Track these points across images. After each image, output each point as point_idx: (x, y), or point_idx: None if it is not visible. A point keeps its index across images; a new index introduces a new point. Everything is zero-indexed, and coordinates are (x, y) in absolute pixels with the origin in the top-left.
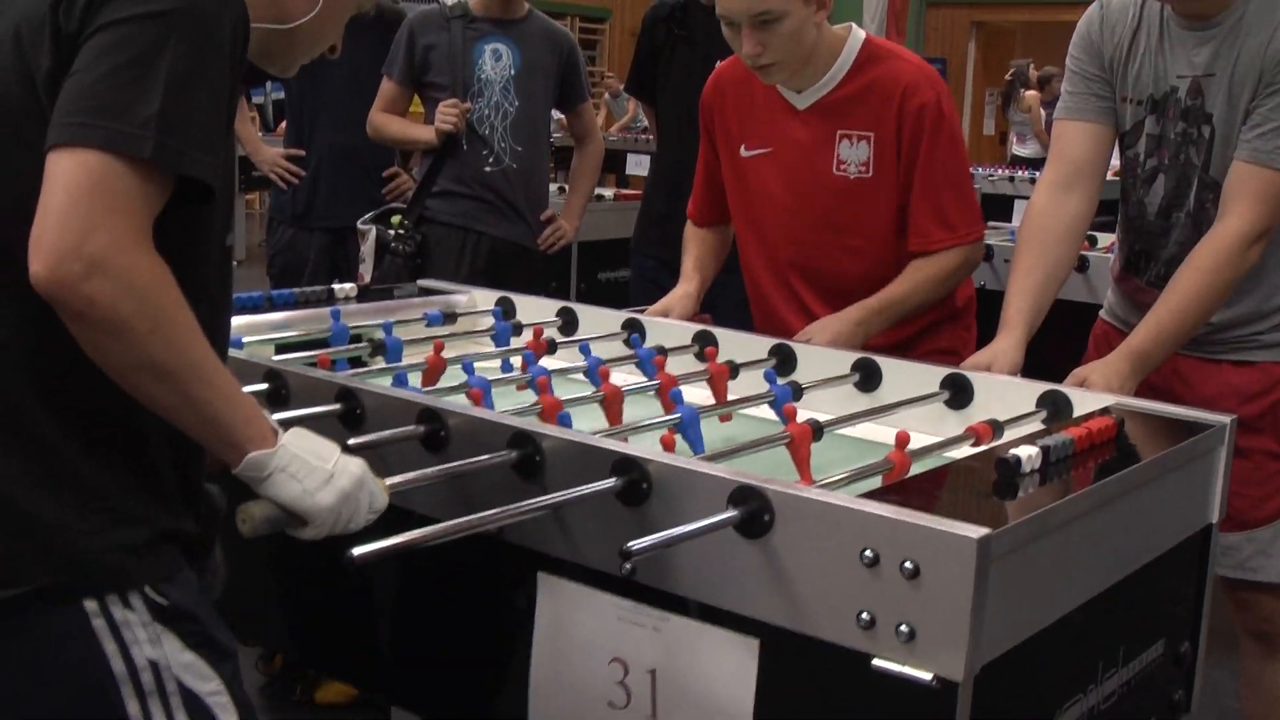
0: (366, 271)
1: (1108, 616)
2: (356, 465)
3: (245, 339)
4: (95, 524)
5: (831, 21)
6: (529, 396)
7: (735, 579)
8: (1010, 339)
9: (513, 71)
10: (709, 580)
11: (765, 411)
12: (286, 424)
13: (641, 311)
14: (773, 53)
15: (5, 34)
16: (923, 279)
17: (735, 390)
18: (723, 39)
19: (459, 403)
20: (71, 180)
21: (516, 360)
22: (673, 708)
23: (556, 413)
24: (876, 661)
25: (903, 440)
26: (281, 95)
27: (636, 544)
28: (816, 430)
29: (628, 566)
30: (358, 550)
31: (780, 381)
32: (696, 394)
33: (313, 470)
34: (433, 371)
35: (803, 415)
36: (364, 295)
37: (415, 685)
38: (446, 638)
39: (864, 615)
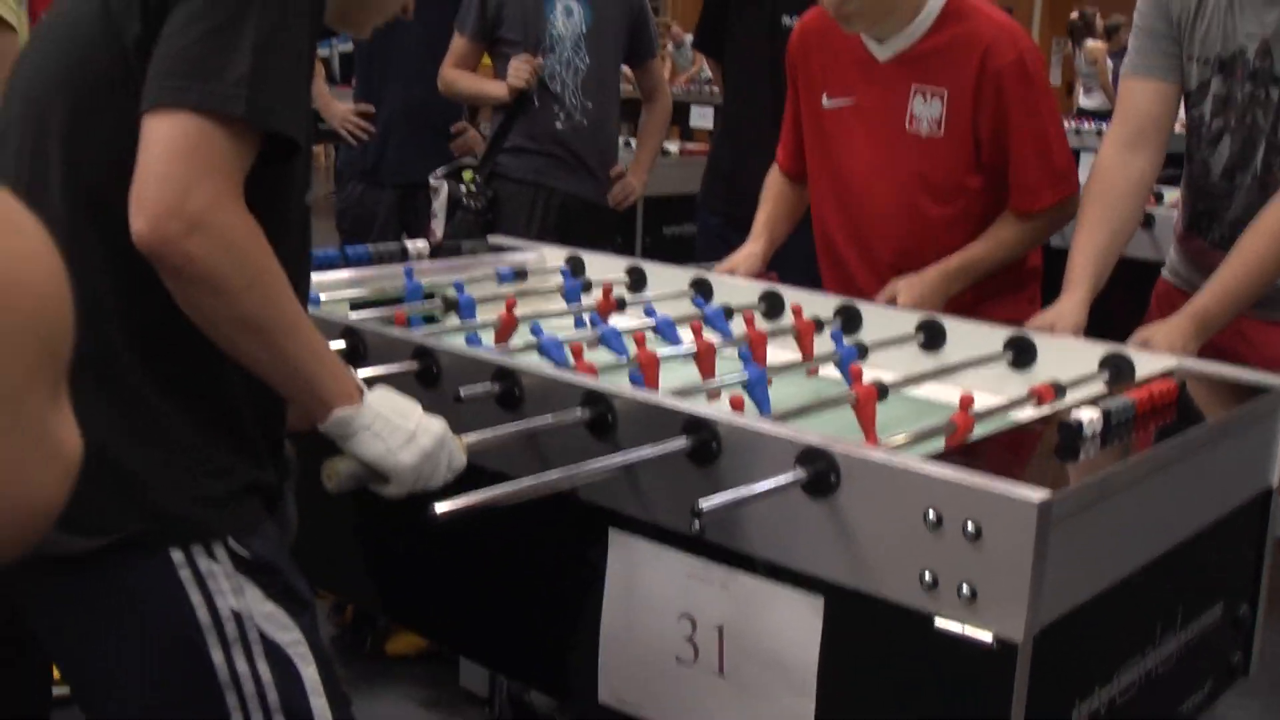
0: (438, 227)
1: (1166, 579)
2: (438, 424)
3: (322, 296)
4: (182, 475)
5: None
6: (601, 355)
7: (801, 538)
8: (1074, 298)
9: (584, 28)
10: (776, 539)
11: (832, 370)
12: (369, 382)
13: (709, 268)
14: (855, 1)
15: (94, 4)
16: (1011, 238)
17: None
18: None
19: (531, 361)
20: (169, 141)
21: (585, 319)
22: (739, 663)
23: (654, 368)
24: (939, 621)
25: (966, 402)
26: (348, 48)
27: (706, 503)
28: (882, 391)
29: (697, 525)
30: (440, 506)
31: (846, 342)
32: (776, 351)
33: (396, 429)
34: (505, 329)
35: (868, 375)
36: (435, 252)
37: (485, 638)
38: (517, 591)
39: (927, 575)
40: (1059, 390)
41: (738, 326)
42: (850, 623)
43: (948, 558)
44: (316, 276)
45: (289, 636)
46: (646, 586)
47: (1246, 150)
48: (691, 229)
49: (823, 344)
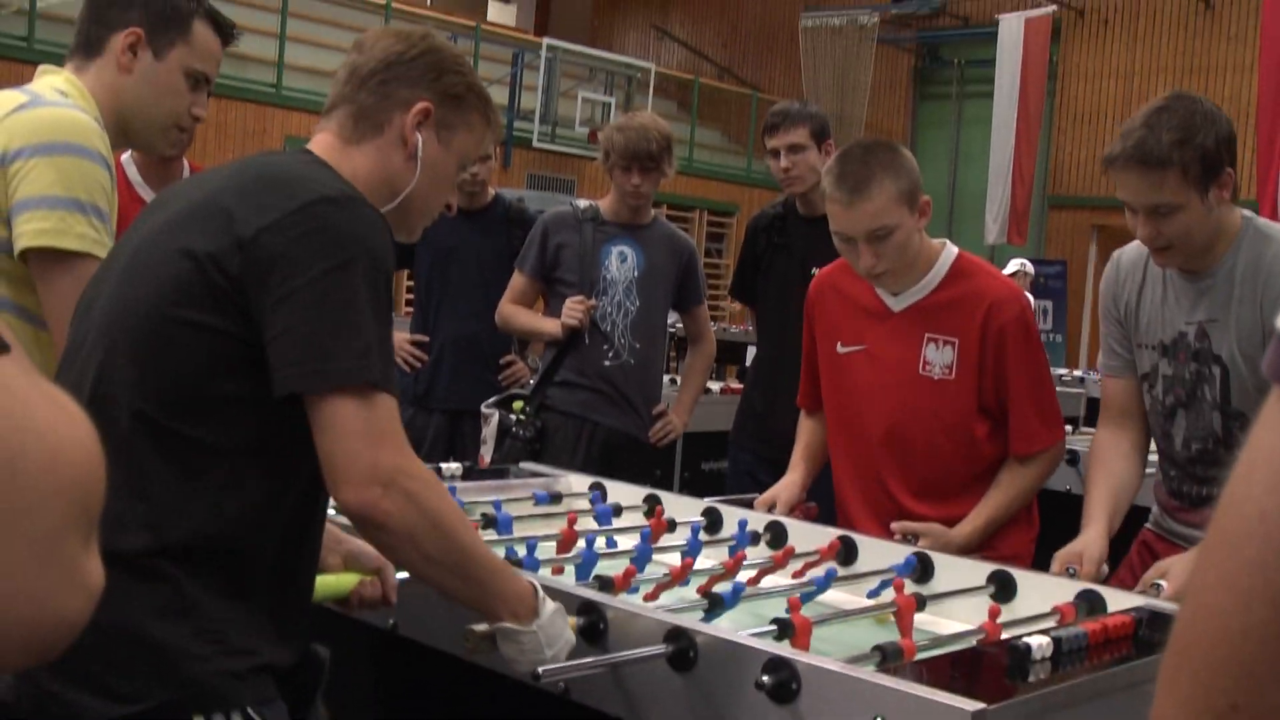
0: (487, 453)
1: None
2: (565, 652)
3: None
4: (208, 651)
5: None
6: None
7: None
8: (1095, 530)
9: (636, 273)
10: None
11: (834, 597)
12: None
13: (725, 501)
14: (885, 262)
15: (181, 255)
16: (1020, 489)
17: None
18: (819, 247)
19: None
20: (343, 423)
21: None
22: None
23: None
24: None
25: (994, 613)
26: None
27: (544, 668)
28: (920, 602)
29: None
30: (542, 668)
31: (819, 573)
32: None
33: (537, 654)
34: (566, 542)
35: (855, 602)
36: (469, 474)
37: None
38: None
39: None
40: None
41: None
42: None
43: None
44: None
45: None
46: None
47: (1200, 421)
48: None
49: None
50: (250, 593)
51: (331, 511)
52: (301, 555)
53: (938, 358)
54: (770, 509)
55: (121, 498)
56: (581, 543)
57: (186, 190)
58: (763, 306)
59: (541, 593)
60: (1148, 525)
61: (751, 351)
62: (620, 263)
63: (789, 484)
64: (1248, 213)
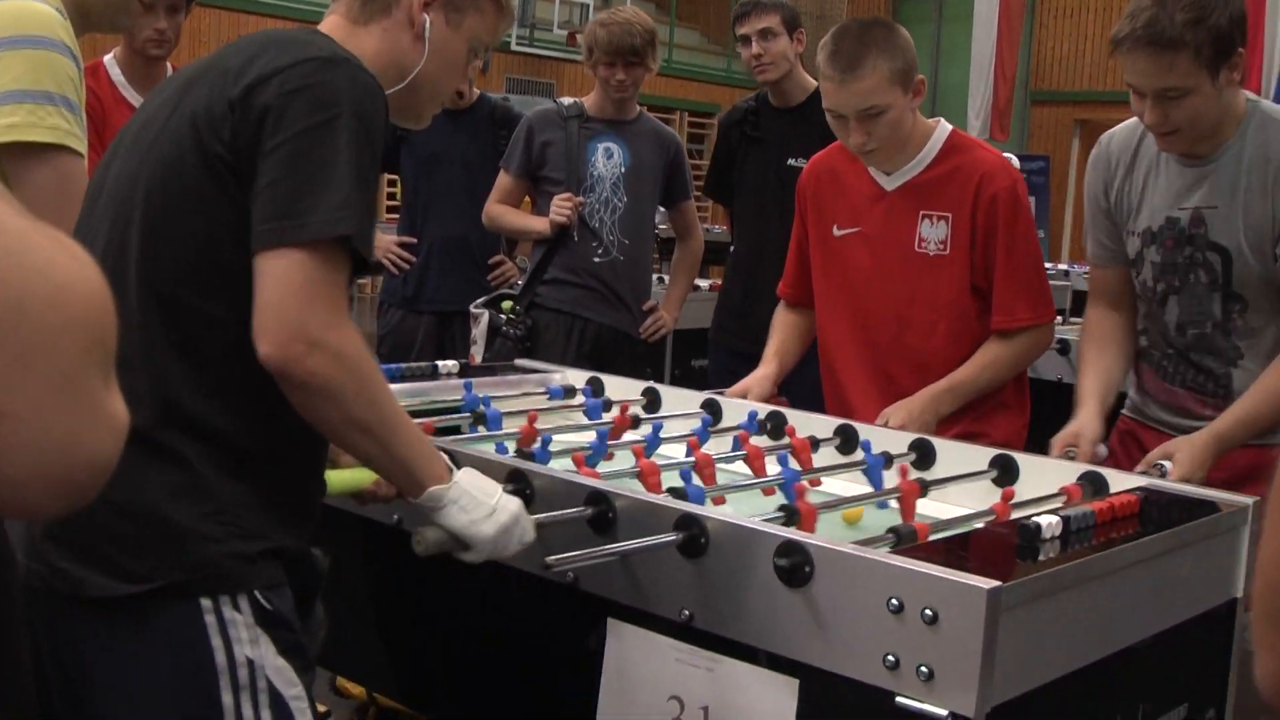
0: (478, 353)
1: (1127, 675)
2: (514, 503)
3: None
4: (220, 533)
5: (933, 116)
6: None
7: (779, 625)
8: (1088, 412)
9: (623, 169)
10: (757, 626)
11: (830, 485)
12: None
13: (720, 392)
14: (877, 140)
15: (183, 120)
16: (993, 359)
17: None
18: (794, 138)
19: (543, 465)
20: (285, 275)
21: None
22: None
23: (655, 475)
24: (899, 698)
25: (1008, 495)
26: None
27: (553, 557)
28: (924, 487)
29: (686, 613)
30: (551, 558)
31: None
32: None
33: (479, 504)
34: (526, 439)
35: (858, 490)
36: (465, 371)
37: None
38: (522, 680)
39: (889, 657)
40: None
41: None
42: (821, 701)
43: (908, 641)
44: None
45: (293, 691)
46: (640, 671)
47: (1195, 305)
48: None
49: (829, 459)
50: (260, 474)
51: None
52: (310, 439)
53: (932, 234)
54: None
55: (132, 370)
56: (593, 435)
57: (197, 62)
58: (739, 202)
59: (448, 461)
60: (1125, 413)
61: None
62: (607, 159)
63: (760, 378)
64: (1253, 95)
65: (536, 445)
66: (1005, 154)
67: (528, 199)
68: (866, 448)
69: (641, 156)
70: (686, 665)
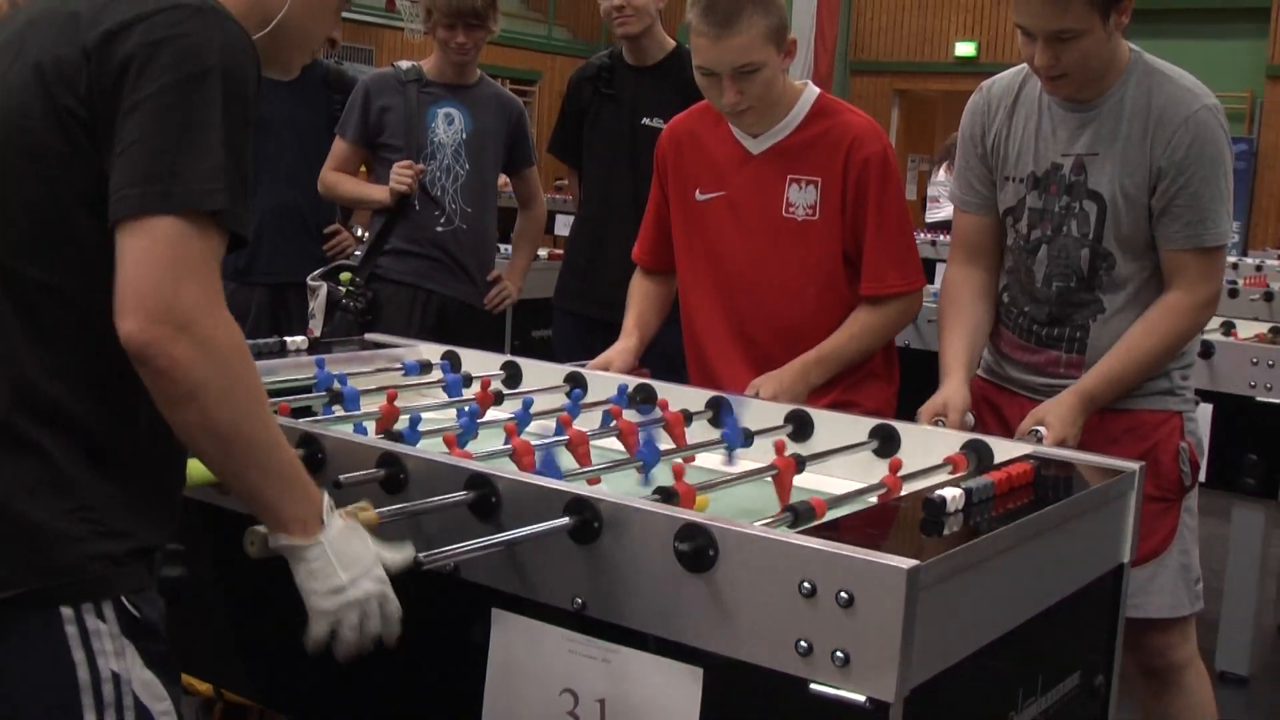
0: (317, 326)
1: (1027, 647)
2: (372, 588)
3: None
4: (83, 532)
5: None
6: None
7: (682, 611)
8: (954, 381)
9: (464, 135)
10: (657, 612)
11: (704, 460)
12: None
13: (583, 365)
14: (749, 99)
15: (25, 69)
16: (862, 328)
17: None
18: (649, 98)
19: (418, 448)
20: (151, 245)
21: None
22: None
23: (529, 455)
24: (814, 685)
25: (896, 466)
26: None
27: (425, 555)
28: (800, 462)
29: (579, 601)
30: (423, 554)
31: (719, 431)
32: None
33: (330, 576)
34: (386, 419)
35: (741, 467)
36: (314, 347)
37: None
38: (400, 672)
39: (802, 643)
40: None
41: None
42: (729, 691)
43: (822, 625)
44: None
45: (160, 706)
46: (529, 663)
47: (1067, 257)
48: None
49: (702, 433)
50: (123, 466)
51: None
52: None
53: (801, 198)
54: None
55: None
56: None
57: (36, 2)
58: (588, 162)
59: (329, 503)
60: (980, 374)
61: (560, 220)
62: (447, 125)
63: (622, 350)
64: (1135, 46)
65: (405, 425)
66: None
67: (364, 167)
68: (726, 422)
69: (484, 122)
70: (580, 656)
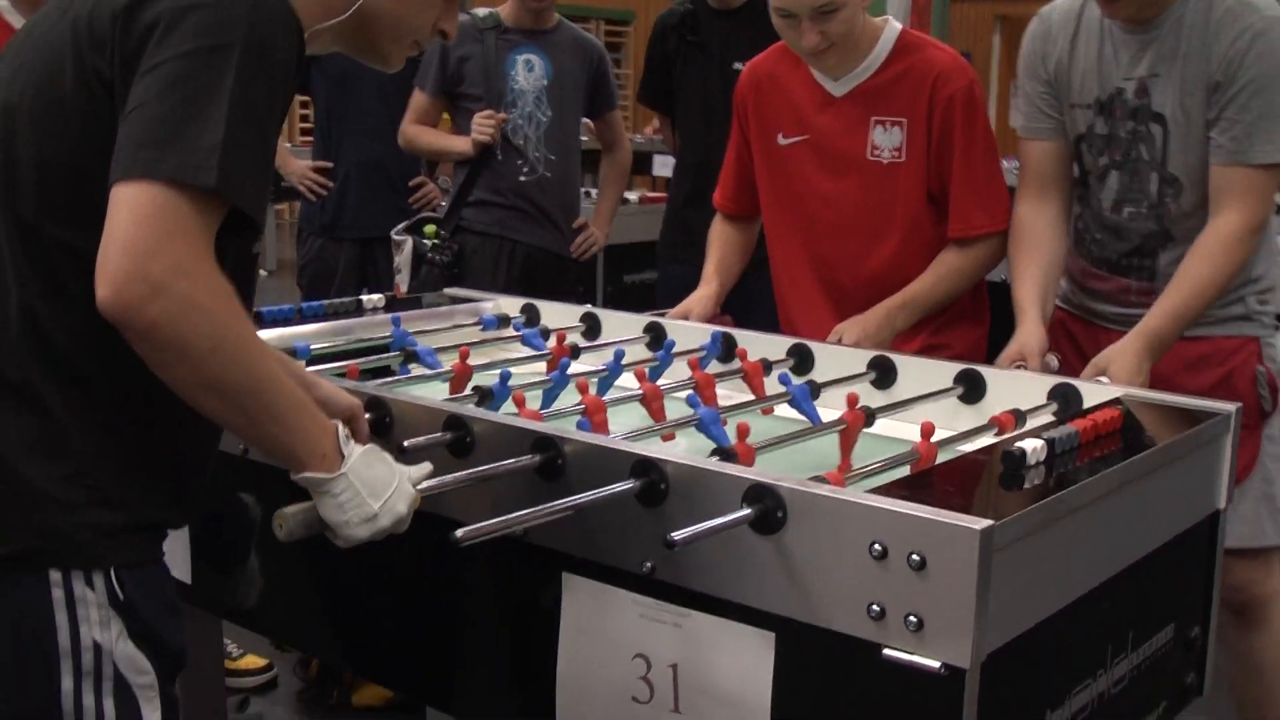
0: (403, 281)
1: (1115, 602)
2: (403, 505)
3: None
4: (79, 499)
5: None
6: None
7: (752, 574)
8: (1029, 323)
9: (545, 81)
10: (726, 576)
11: (786, 410)
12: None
13: (663, 314)
14: (831, 39)
15: (64, 27)
16: (948, 270)
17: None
18: (737, 42)
19: (483, 411)
20: (136, 208)
21: (542, 366)
22: (694, 700)
23: (601, 412)
24: (887, 651)
25: (928, 430)
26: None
27: (679, 535)
28: (869, 416)
29: (648, 565)
30: (461, 532)
31: (797, 381)
32: (727, 392)
33: (361, 504)
34: (460, 379)
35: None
36: (391, 305)
37: (448, 686)
38: (476, 638)
39: (874, 606)
40: (1019, 417)
41: (687, 370)
42: (801, 656)
43: (894, 588)
44: (306, 328)
45: (143, 679)
46: (601, 628)
47: (1136, 183)
48: (652, 275)
49: (775, 385)
50: (133, 436)
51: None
52: None
53: (886, 140)
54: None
55: None
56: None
57: None
58: (681, 111)
59: (344, 432)
60: (1057, 303)
61: (658, 161)
62: (528, 72)
63: (701, 298)
64: None
65: (495, 382)
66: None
67: (446, 117)
68: (785, 380)
69: (564, 67)
70: (651, 621)
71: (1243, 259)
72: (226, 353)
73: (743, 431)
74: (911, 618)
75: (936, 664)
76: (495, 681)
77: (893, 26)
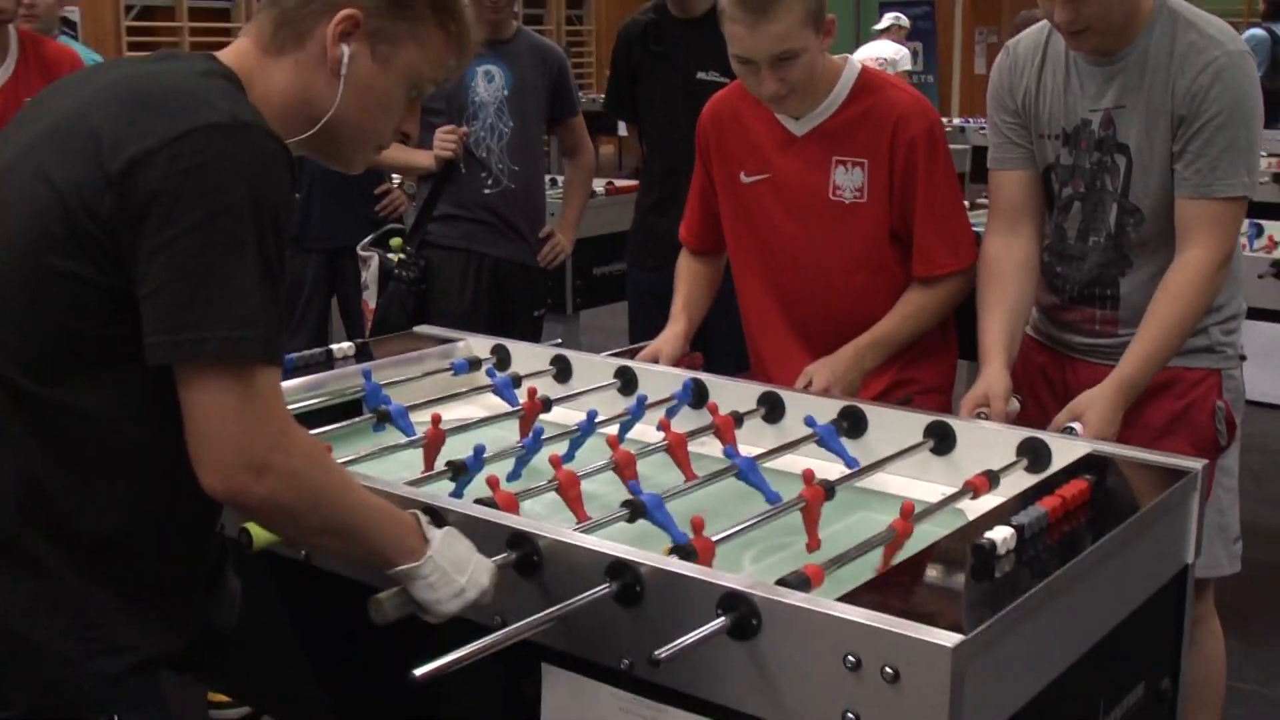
0: (370, 298)
1: (1087, 675)
2: (486, 577)
3: None
4: (82, 652)
5: None
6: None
7: (728, 677)
8: (994, 368)
9: (505, 92)
10: (703, 677)
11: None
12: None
13: (632, 356)
14: (790, 86)
15: (41, 184)
16: (914, 310)
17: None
18: (701, 51)
19: (455, 502)
20: (203, 401)
21: (515, 425)
22: None
23: (575, 487)
24: None
25: (907, 510)
26: None
27: (662, 653)
28: (828, 490)
29: (626, 662)
30: (420, 671)
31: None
32: (703, 447)
33: (449, 583)
34: (431, 446)
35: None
36: (361, 353)
37: None
38: None
39: (849, 714)
40: (993, 479)
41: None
42: None
43: (868, 698)
44: None
45: None
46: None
47: (1099, 213)
48: (622, 267)
49: (755, 431)
50: (135, 581)
51: None
52: (197, 533)
53: (847, 180)
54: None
55: None
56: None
57: (53, 101)
58: (649, 120)
59: (424, 519)
60: (1027, 332)
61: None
62: (488, 83)
63: (670, 338)
64: None
65: (469, 455)
66: (892, 14)
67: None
68: (811, 422)
69: (524, 76)
70: (631, 715)
71: (1212, 295)
72: (327, 505)
73: (697, 526)
74: None
75: None
76: None
77: (852, 65)
